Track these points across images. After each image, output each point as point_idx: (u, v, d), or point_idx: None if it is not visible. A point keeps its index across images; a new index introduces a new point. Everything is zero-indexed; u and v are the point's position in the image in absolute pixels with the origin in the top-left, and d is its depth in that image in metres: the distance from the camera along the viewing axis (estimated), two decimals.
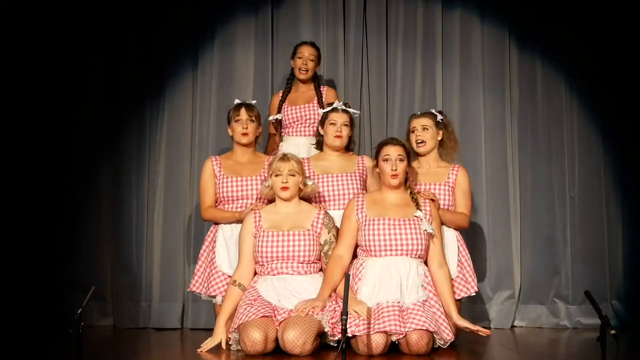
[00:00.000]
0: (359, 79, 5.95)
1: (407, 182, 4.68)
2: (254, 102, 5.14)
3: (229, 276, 4.79)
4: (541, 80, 5.91)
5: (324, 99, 5.48)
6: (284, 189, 4.59)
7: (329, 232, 4.59)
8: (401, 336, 4.25)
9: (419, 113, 5.11)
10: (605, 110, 5.84)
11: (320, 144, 5.08)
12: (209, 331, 5.08)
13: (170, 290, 5.79)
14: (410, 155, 4.77)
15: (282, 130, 5.54)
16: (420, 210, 4.58)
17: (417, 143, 4.96)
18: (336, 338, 4.33)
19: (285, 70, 5.77)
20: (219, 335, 4.48)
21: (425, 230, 4.52)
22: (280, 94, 5.60)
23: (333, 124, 4.97)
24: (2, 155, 5.73)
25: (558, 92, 5.89)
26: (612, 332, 3.60)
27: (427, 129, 4.96)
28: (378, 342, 4.24)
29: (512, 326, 5.73)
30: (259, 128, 5.07)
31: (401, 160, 4.60)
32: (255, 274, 4.62)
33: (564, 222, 5.80)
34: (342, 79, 5.91)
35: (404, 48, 5.92)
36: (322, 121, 5.03)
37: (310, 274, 4.55)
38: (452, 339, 4.42)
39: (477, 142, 5.85)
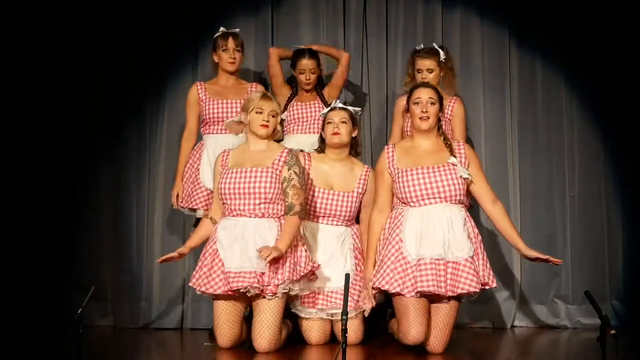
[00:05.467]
0: (359, 79, 5.94)
1: (440, 128, 4.66)
2: (237, 30, 5.36)
3: (212, 191, 5.01)
4: (541, 80, 5.90)
5: (327, 100, 5.48)
6: (264, 126, 4.65)
7: (289, 170, 4.62)
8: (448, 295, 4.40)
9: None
10: (605, 111, 5.83)
11: (322, 149, 5.00)
12: (209, 331, 5.09)
13: (170, 290, 5.79)
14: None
15: (285, 128, 5.50)
16: (455, 156, 4.54)
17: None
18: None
19: (284, 70, 5.76)
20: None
21: (461, 176, 4.49)
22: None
23: (330, 122, 4.94)
24: (3, 156, 5.73)
25: (558, 92, 5.88)
26: (612, 332, 3.60)
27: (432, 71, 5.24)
28: (416, 336, 4.38)
29: (512, 326, 5.73)
30: (242, 56, 5.33)
31: (432, 103, 4.57)
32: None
33: (564, 222, 5.80)
34: None
35: (404, 48, 5.91)
36: (323, 124, 5.01)
37: (269, 217, 4.58)
38: (478, 291, 4.48)
39: (477, 142, 5.85)
